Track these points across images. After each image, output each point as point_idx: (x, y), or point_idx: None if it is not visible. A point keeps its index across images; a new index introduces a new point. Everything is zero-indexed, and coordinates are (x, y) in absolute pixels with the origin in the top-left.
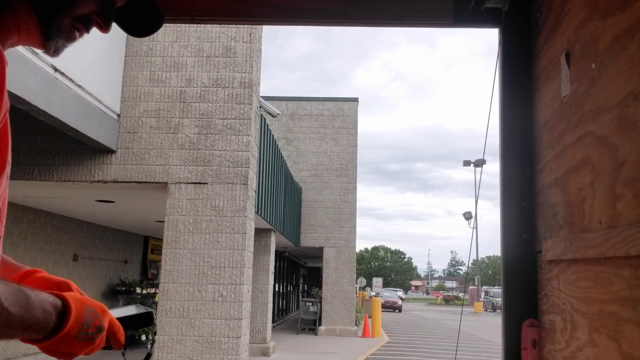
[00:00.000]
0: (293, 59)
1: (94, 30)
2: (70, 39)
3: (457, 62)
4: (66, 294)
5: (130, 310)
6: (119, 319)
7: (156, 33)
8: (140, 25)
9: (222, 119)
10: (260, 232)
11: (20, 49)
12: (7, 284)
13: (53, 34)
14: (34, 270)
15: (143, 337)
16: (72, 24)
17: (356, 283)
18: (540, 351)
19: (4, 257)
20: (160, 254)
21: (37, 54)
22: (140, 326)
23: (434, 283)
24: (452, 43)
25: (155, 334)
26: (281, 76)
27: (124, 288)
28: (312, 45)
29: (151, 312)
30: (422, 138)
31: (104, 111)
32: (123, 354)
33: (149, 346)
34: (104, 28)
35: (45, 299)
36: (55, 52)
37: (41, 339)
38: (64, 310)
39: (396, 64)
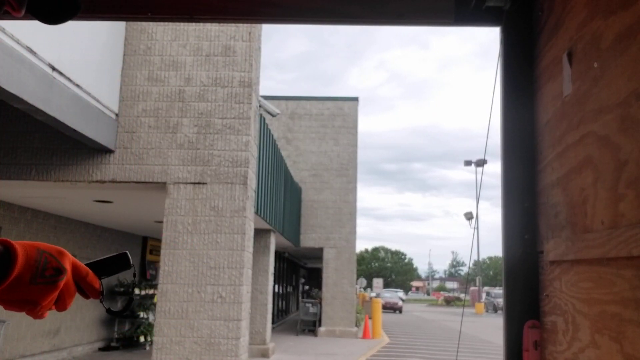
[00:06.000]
0: (287, 59)
1: (94, 29)
2: None
3: (451, 63)
4: (12, 241)
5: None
6: (89, 264)
7: (155, 32)
8: (51, 10)
9: (221, 118)
10: (259, 233)
11: (18, 48)
12: None
13: None
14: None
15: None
16: None
17: (356, 284)
18: (541, 352)
19: None
20: (159, 255)
21: (35, 53)
22: (117, 270)
23: (435, 284)
24: (446, 44)
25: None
26: (275, 76)
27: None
28: (306, 46)
29: (125, 253)
30: (418, 138)
31: (102, 111)
32: (101, 302)
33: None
34: (17, 10)
35: None
36: None
37: None
38: (8, 253)
39: (391, 65)
